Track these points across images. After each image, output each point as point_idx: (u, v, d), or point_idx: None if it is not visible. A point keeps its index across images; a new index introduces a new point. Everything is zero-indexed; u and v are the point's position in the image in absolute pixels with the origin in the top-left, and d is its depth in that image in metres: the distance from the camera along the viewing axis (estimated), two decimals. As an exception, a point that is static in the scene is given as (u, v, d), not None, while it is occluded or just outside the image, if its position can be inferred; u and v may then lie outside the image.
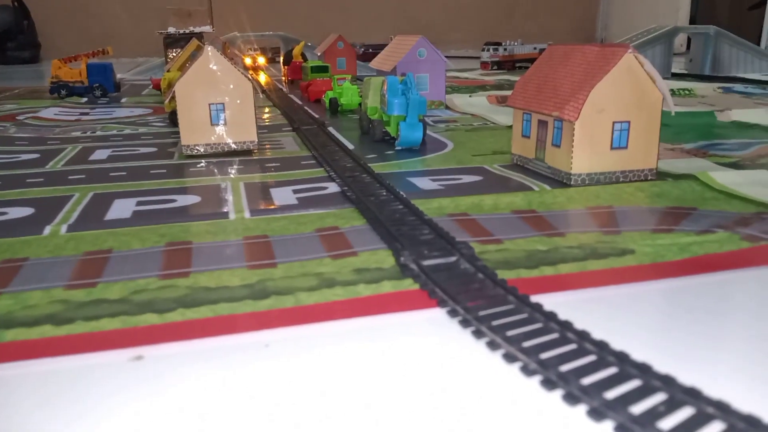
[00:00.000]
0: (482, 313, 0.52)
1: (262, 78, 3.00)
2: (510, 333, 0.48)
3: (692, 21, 5.16)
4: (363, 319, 0.54)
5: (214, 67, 1.21)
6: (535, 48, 3.46)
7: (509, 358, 0.46)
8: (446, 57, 1.88)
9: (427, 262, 0.62)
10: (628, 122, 0.96)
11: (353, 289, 0.59)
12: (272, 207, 0.89)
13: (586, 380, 0.42)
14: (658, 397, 0.40)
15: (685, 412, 0.39)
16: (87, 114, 1.93)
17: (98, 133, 1.57)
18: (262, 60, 3.40)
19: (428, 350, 0.49)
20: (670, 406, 0.39)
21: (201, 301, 0.58)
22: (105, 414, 0.41)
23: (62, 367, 0.48)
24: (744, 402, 0.39)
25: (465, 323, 0.51)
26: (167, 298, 0.59)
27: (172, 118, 1.63)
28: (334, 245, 0.72)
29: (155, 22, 3.60)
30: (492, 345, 0.47)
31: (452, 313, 0.53)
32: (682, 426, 0.37)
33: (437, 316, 0.54)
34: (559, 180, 0.98)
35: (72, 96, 2.28)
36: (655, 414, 0.38)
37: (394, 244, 0.68)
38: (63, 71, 2.29)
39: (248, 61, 3.25)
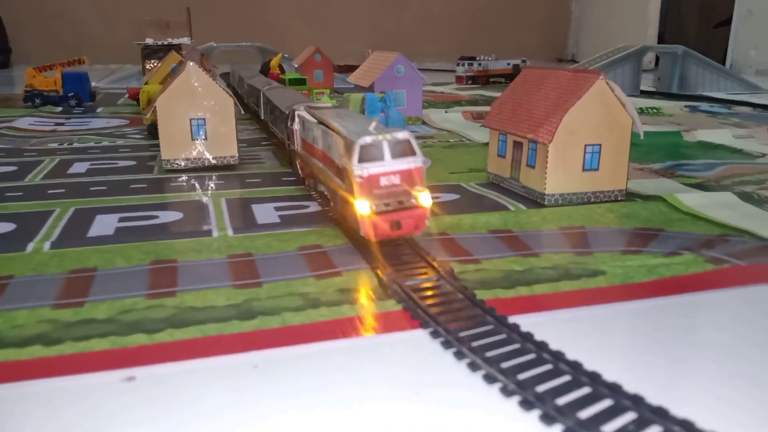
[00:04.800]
0: (463, 334, 0.54)
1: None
2: (489, 354, 0.51)
3: (660, 38, 5.31)
4: (348, 341, 0.56)
5: (196, 83, 1.22)
6: (508, 63, 3.52)
7: (489, 378, 0.48)
8: (421, 69, 1.91)
9: (409, 283, 0.65)
10: (599, 145, 0.99)
11: (338, 310, 0.61)
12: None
13: (561, 400, 0.45)
14: (629, 416, 0.43)
15: (653, 431, 0.41)
16: (62, 124, 1.92)
17: (75, 144, 1.57)
18: None
19: (411, 371, 0.51)
20: (639, 425, 0.42)
21: (189, 321, 0.60)
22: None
23: (55, 387, 0.49)
24: (709, 420, 0.42)
25: (447, 344, 0.53)
26: (155, 318, 0.60)
27: (151, 130, 1.64)
28: (317, 264, 0.74)
29: (129, 28, 3.58)
30: (473, 366, 0.50)
31: (434, 335, 0.55)
32: (650, 444, 0.40)
33: (420, 337, 0.56)
34: (533, 199, 1.01)
35: (46, 105, 2.26)
36: (625, 433, 0.41)
37: (376, 264, 0.70)
38: (37, 80, 2.27)
39: None
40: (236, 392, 0.48)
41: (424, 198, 0.72)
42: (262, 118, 1.62)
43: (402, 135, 0.72)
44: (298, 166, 1.11)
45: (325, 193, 0.91)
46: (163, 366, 0.52)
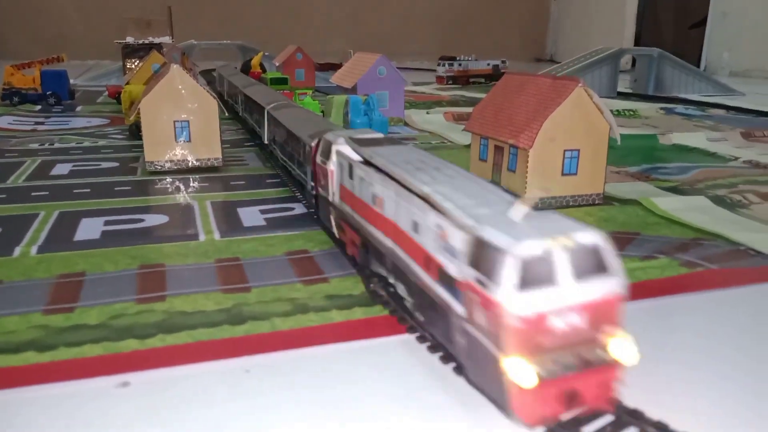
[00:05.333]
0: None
1: None
2: (474, 358, 0.53)
3: (637, 39, 5.38)
4: (337, 345, 0.57)
5: (180, 86, 1.23)
6: (488, 64, 3.56)
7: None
8: (402, 68, 1.93)
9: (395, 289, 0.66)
10: (578, 150, 1.02)
11: (326, 315, 0.63)
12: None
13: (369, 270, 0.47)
14: (606, 418, 0.45)
15: (629, 432, 0.44)
16: (42, 123, 1.91)
17: (57, 145, 1.56)
18: None
19: (399, 375, 0.53)
20: (616, 427, 0.44)
21: (179, 327, 0.61)
22: (98, 441, 0.44)
23: (51, 393, 0.50)
24: (684, 422, 0.45)
25: (433, 349, 0.55)
26: (146, 323, 0.62)
27: (133, 131, 1.63)
28: (304, 270, 0.75)
29: (107, 23, 3.54)
30: (458, 370, 0.52)
31: (421, 339, 0.57)
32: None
33: (407, 341, 0.58)
34: (515, 203, 1.04)
35: (25, 104, 2.23)
36: (603, 434, 0.43)
37: (363, 270, 0.72)
38: (16, 78, 2.24)
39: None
40: (230, 397, 0.49)
41: (620, 347, 0.44)
42: (265, 141, 1.33)
43: (588, 238, 0.44)
44: (334, 224, 0.79)
45: (392, 282, 0.62)
46: (156, 371, 0.53)
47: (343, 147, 0.75)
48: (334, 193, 0.77)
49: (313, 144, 0.85)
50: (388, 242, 0.61)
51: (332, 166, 0.77)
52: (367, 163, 0.67)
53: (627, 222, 0.96)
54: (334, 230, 0.80)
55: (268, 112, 1.28)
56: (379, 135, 0.76)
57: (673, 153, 1.56)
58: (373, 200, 0.64)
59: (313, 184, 0.88)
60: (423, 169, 0.59)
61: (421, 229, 0.53)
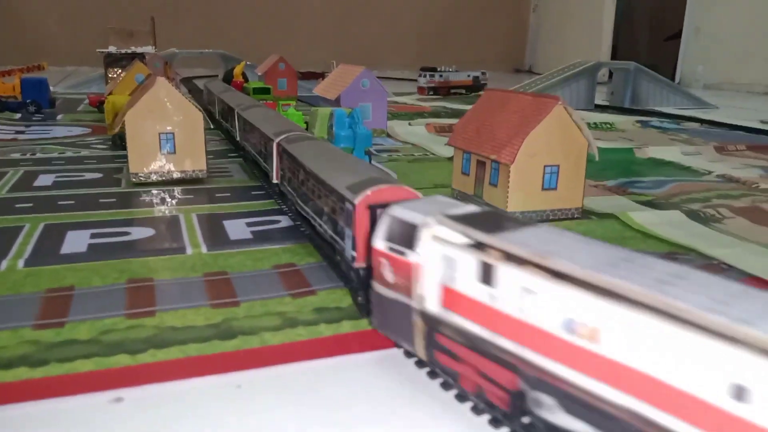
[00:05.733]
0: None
1: None
2: (460, 373, 0.54)
3: (614, 51, 5.48)
4: (326, 360, 0.59)
5: (165, 98, 1.23)
6: (468, 75, 3.60)
7: (461, 398, 0.52)
8: (383, 78, 1.95)
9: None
10: (558, 166, 1.05)
11: (315, 329, 0.65)
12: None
13: (527, 419, 0.49)
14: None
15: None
16: (23, 132, 1.89)
17: (39, 155, 1.55)
18: None
19: (388, 389, 0.54)
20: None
21: (170, 342, 0.62)
22: (95, 456, 0.45)
23: (44, 409, 0.50)
24: None
25: (420, 364, 0.57)
26: (137, 338, 0.62)
27: (116, 141, 1.63)
28: (292, 283, 0.77)
29: (87, 30, 3.52)
30: (445, 386, 0.53)
31: (408, 354, 0.59)
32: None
33: (394, 355, 0.59)
34: (496, 217, 1.06)
35: (4, 111, 2.21)
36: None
37: (350, 283, 0.73)
38: (-5, 85, 2.23)
39: None
40: (223, 413, 0.50)
41: None
42: (274, 181, 1.10)
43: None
44: (423, 342, 0.54)
45: None
46: (149, 387, 0.54)
47: (444, 231, 0.51)
48: (423, 297, 0.53)
49: (357, 202, 0.65)
50: (624, 400, 0.39)
51: (424, 258, 0.52)
52: (537, 267, 0.43)
53: (605, 236, 0.99)
54: (420, 351, 0.55)
55: (281, 147, 1.05)
56: (481, 209, 0.55)
57: (649, 167, 1.60)
58: (569, 329, 0.42)
59: (361, 267, 0.66)
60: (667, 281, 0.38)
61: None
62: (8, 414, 0.50)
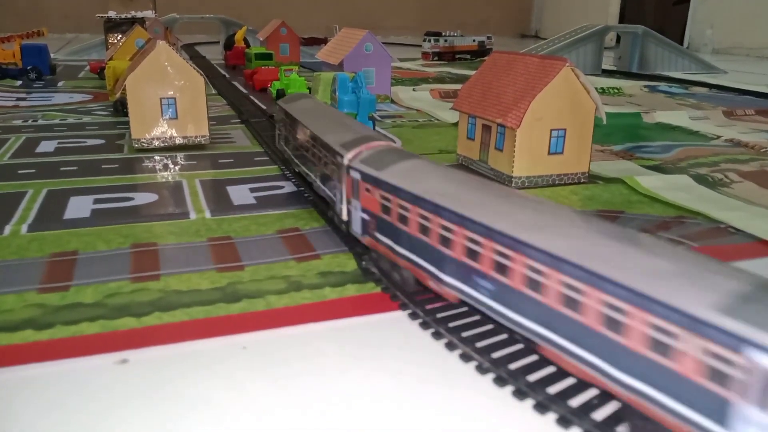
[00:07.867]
0: (440, 315, 0.58)
1: None
2: (465, 334, 0.55)
3: (622, 15, 5.39)
4: (331, 322, 0.59)
5: (166, 63, 1.22)
6: (474, 40, 3.55)
7: (465, 357, 0.52)
8: (386, 43, 1.92)
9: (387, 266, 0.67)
10: (564, 130, 1.03)
11: (320, 293, 0.64)
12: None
13: (532, 377, 0.49)
14: (592, 392, 0.47)
15: (615, 404, 0.46)
16: (24, 99, 1.88)
17: (40, 121, 1.54)
18: None
19: (392, 351, 0.54)
20: (602, 399, 0.46)
21: (175, 305, 0.62)
22: (99, 416, 0.45)
23: (52, 371, 0.51)
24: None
25: (425, 325, 0.57)
26: (142, 301, 0.62)
27: (117, 107, 1.62)
28: (297, 248, 0.76)
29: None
30: (450, 346, 0.53)
31: (413, 316, 0.59)
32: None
33: (399, 318, 0.59)
34: (501, 182, 1.05)
35: (5, 78, 2.20)
36: (590, 407, 0.45)
37: (354, 248, 0.73)
38: (-5, 52, 2.20)
39: None
40: (228, 373, 0.50)
41: None
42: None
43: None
44: None
45: None
46: (154, 349, 0.54)
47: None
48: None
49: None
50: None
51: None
52: None
53: (611, 201, 0.98)
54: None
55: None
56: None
57: (656, 131, 1.59)
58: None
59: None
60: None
61: None
62: (16, 375, 0.50)
